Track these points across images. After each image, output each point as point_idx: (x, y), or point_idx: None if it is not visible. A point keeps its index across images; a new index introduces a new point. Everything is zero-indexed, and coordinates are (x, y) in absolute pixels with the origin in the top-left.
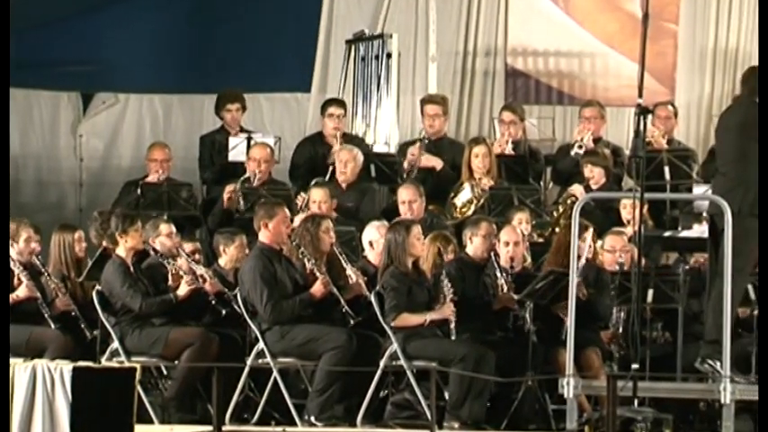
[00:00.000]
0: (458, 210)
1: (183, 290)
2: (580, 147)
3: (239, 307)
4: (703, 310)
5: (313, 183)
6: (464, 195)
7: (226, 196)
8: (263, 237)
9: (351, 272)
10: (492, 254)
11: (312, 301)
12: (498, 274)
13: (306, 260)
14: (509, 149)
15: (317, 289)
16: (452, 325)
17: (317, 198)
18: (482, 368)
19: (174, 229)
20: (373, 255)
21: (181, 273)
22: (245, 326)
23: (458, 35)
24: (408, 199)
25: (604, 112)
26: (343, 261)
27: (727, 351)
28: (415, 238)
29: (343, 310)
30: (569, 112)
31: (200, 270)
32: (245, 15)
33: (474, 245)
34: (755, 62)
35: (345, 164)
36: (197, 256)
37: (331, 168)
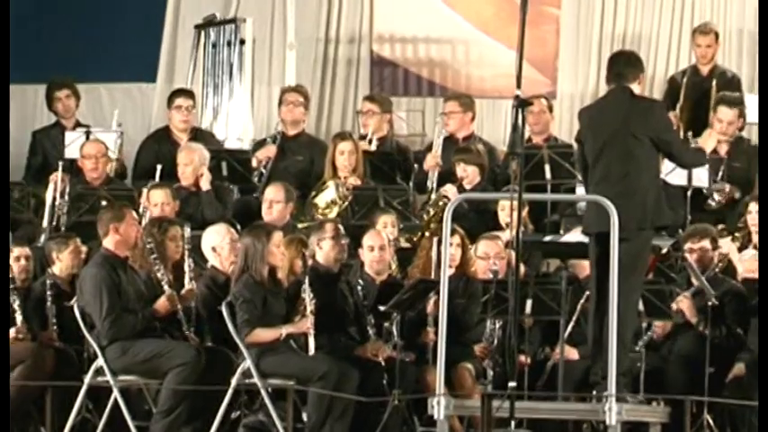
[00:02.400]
0: (320, 211)
1: None
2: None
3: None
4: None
5: (151, 184)
6: (327, 195)
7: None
8: (109, 243)
9: (187, 282)
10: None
11: (156, 317)
12: (360, 285)
13: (154, 269)
14: (374, 145)
15: (162, 304)
16: (311, 339)
17: (157, 200)
18: (344, 387)
19: None
20: (219, 261)
21: None
22: (83, 340)
23: (318, 20)
24: (270, 198)
25: (471, 104)
26: (188, 271)
27: (612, 368)
28: (275, 246)
29: (185, 330)
30: (440, 105)
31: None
32: None
33: (324, 250)
34: (645, 48)
35: (184, 167)
36: (22, 263)
37: None
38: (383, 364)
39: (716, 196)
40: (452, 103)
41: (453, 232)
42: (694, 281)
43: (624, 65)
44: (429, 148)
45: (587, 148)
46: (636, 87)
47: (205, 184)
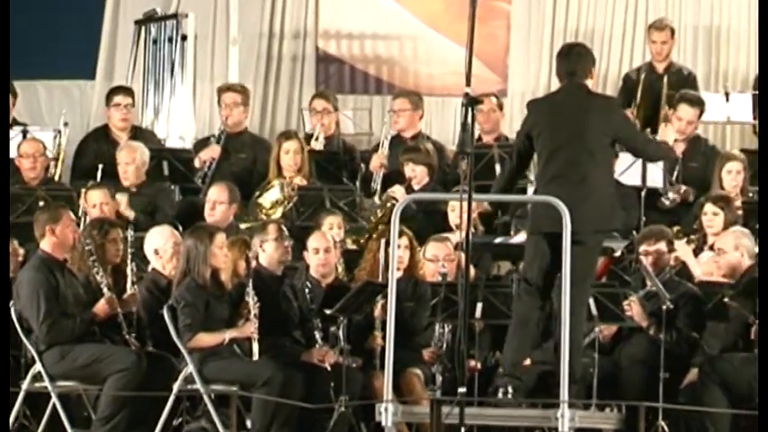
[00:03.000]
0: (264, 211)
1: None
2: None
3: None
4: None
5: (89, 184)
6: (272, 195)
7: None
8: (46, 245)
9: (129, 286)
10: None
11: (96, 321)
12: (307, 289)
13: (93, 272)
14: (320, 145)
15: (101, 308)
16: (255, 344)
17: (95, 201)
18: (289, 392)
19: None
20: (161, 264)
21: None
22: (21, 345)
23: (262, 15)
24: (213, 199)
25: (420, 102)
26: (130, 274)
27: (565, 374)
28: (218, 248)
29: (125, 335)
30: (388, 103)
31: None
32: None
33: (267, 252)
34: (599, 44)
35: (126, 166)
36: None
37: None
38: (329, 369)
39: (670, 195)
40: (402, 101)
41: (401, 234)
42: (649, 284)
43: (576, 60)
44: (376, 147)
45: (540, 144)
46: (589, 82)
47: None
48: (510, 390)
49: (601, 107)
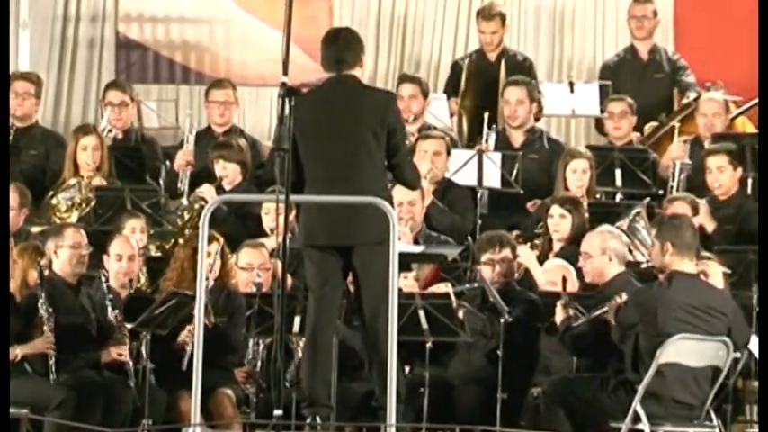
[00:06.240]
0: (59, 213)
1: None
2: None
3: None
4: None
5: None
6: (67, 196)
7: None
8: None
9: None
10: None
11: None
12: (107, 299)
13: None
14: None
15: None
16: (51, 361)
17: None
18: (86, 415)
19: None
20: None
21: None
22: None
23: None
24: None
25: (237, 94)
26: None
27: (392, 395)
28: None
29: None
30: (197, 94)
31: None
32: None
33: (62, 259)
34: (429, 30)
35: None
36: None
37: None
38: (132, 386)
39: None
40: (222, 92)
41: (212, 239)
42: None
43: (344, 48)
44: (183, 143)
45: (307, 144)
46: (358, 72)
47: None
48: (318, 420)
49: (379, 102)
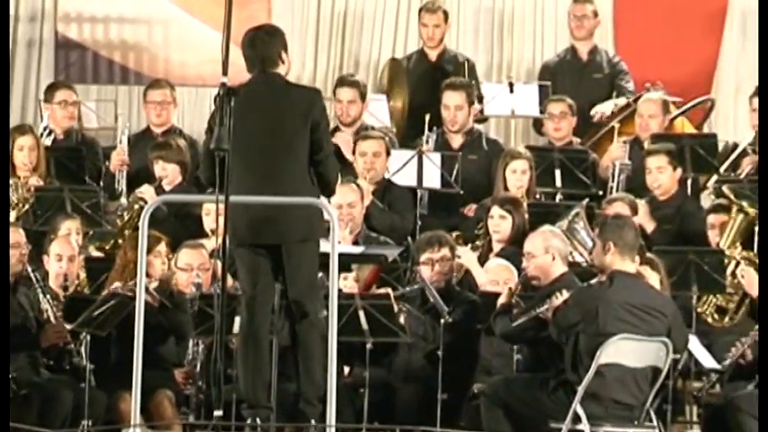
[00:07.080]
0: None
1: None
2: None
3: None
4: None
5: None
6: None
7: None
8: None
9: None
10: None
11: None
12: (42, 297)
13: None
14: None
15: None
16: None
17: None
18: (22, 416)
19: None
20: None
21: None
22: None
23: None
24: None
25: (175, 93)
26: None
27: (332, 397)
28: None
29: None
30: (136, 94)
31: None
32: None
33: None
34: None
35: None
36: None
37: None
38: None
39: None
40: (159, 92)
41: (158, 240)
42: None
43: (267, 45)
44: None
45: (232, 143)
46: (283, 70)
47: None
48: (258, 422)
49: (302, 99)
